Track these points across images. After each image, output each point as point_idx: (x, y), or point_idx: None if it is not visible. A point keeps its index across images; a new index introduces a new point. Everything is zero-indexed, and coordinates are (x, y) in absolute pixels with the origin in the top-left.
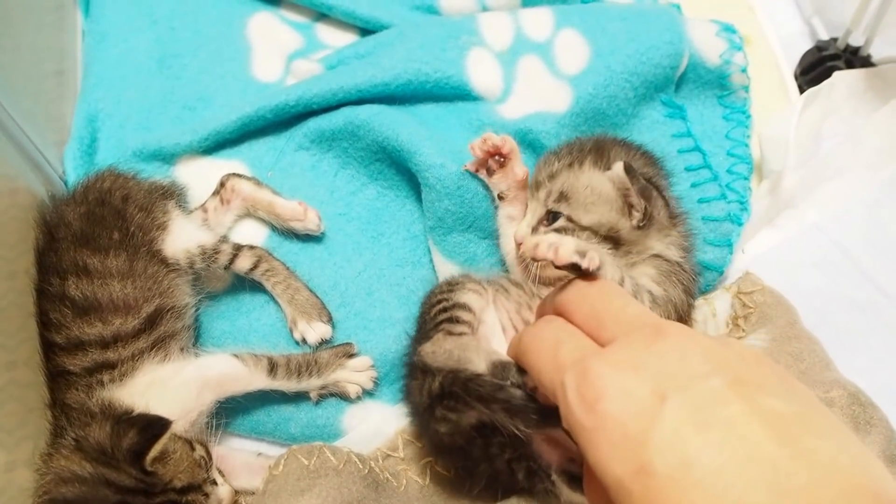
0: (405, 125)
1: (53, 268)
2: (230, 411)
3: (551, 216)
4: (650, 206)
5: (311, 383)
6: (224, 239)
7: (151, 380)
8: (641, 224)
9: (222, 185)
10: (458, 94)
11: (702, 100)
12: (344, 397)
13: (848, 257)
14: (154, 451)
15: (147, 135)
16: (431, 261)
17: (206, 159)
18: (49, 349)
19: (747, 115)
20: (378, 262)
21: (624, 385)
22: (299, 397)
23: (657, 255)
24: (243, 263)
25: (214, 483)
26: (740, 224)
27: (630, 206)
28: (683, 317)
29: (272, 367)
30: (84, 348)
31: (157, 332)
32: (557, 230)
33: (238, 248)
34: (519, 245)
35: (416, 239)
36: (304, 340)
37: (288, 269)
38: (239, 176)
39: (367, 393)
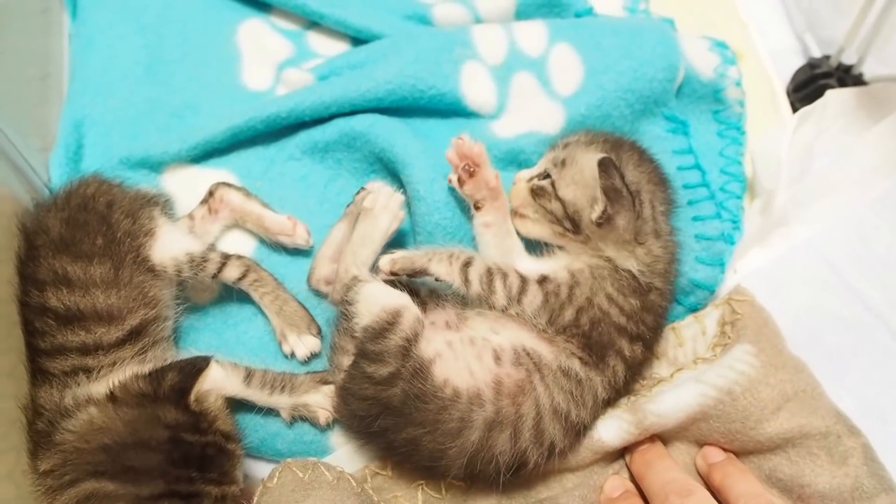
0: (401, 136)
1: (31, 278)
2: None
3: (545, 174)
4: (612, 209)
5: (282, 400)
6: (212, 248)
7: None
8: (599, 220)
9: (211, 194)
10: (452, 109)
11: (696, 115)
12: (314, 423)
13: (838, 275)
14: (199, 386)
15: (134, 142)
16: None
17: (194, 168)
18: (33, 351)
19: (742, 132)
20: None
21: None
22: None
23: (609, 259)
24: (231, 273)
25: None
26: (732, 244)
27: (594, 200)
28: (631, 324)
29: (248, 375)
30: (65, 354)
31: (140, 343)
32: (541, 187)
33: (226, 258)
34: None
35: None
36: (293, 354)
37: (276, 280)
38: (228, 186)
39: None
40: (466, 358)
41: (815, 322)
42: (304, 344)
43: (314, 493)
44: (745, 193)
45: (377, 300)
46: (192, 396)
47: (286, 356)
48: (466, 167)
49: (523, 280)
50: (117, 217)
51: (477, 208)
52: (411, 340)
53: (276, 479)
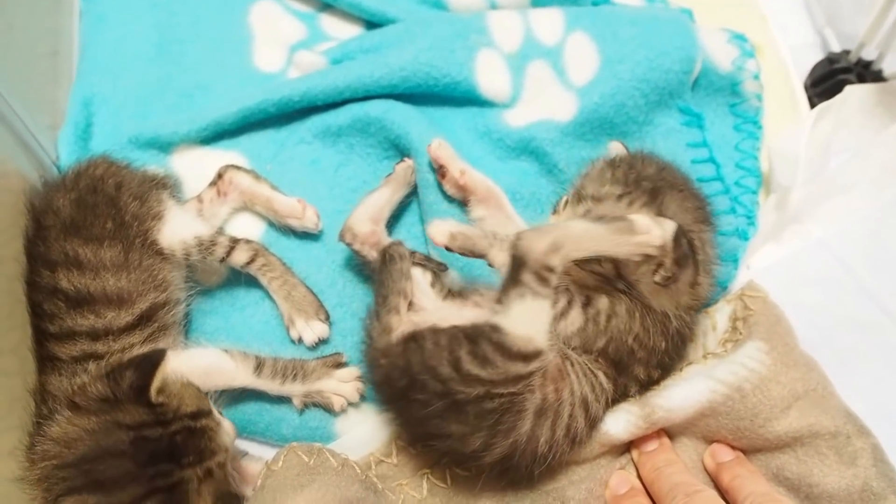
0: (416, 123)
1: (42, 258)
2: (222, 408)
3: None
4: (679, 273)
5: (295, 388)
6: (221, 231)
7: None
8: (665, 283)
9: (220, 176)
10: (466, 97)
11: (713, 108)
12: (328, 409)
13: (851, 275)
14: (157, 382)
15: (143, 122)
16: None
17: (203, 149)
18: (41, 335)
19: (759, 126)
20: None
21: None
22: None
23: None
24: (240, 257)
25: (221, 414)
26: (746, 239)
27: (659, 265)
28: (653, 358)
29: (258, 365)
30: (74, 338)
31: (149, 328)
32: None
33: (235, 241)
34: None
35: (416, 240)
36: (300, 340)
37: (284, 265)
38: (238, 168)
39: (353, 406)
40: None
41: (826, 322)
42: (311, 329)
43: (319, 479)
44: (761, 189)
45: (536, 327)
46: (153, 391)
47: (293, 341)
48: (439, 168)
49: (570, 299)
50: (126, 200)
51: (464, 203)
52: (535, 374)
53: (280, 463)
